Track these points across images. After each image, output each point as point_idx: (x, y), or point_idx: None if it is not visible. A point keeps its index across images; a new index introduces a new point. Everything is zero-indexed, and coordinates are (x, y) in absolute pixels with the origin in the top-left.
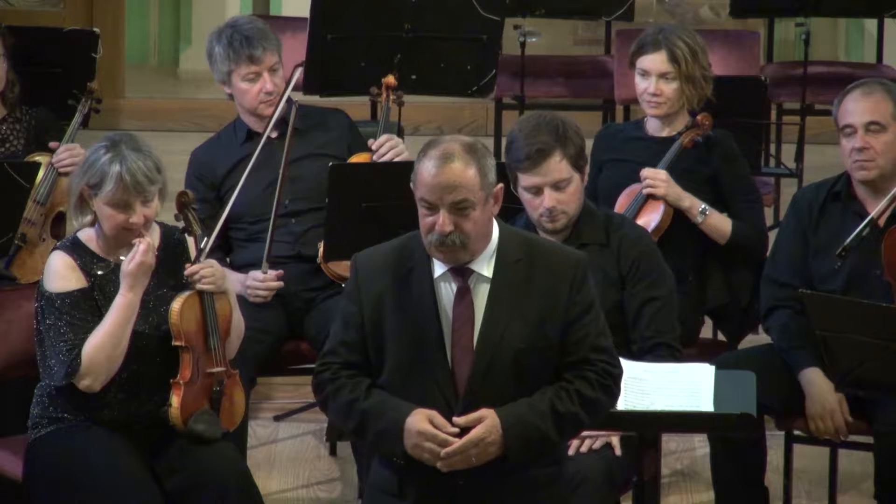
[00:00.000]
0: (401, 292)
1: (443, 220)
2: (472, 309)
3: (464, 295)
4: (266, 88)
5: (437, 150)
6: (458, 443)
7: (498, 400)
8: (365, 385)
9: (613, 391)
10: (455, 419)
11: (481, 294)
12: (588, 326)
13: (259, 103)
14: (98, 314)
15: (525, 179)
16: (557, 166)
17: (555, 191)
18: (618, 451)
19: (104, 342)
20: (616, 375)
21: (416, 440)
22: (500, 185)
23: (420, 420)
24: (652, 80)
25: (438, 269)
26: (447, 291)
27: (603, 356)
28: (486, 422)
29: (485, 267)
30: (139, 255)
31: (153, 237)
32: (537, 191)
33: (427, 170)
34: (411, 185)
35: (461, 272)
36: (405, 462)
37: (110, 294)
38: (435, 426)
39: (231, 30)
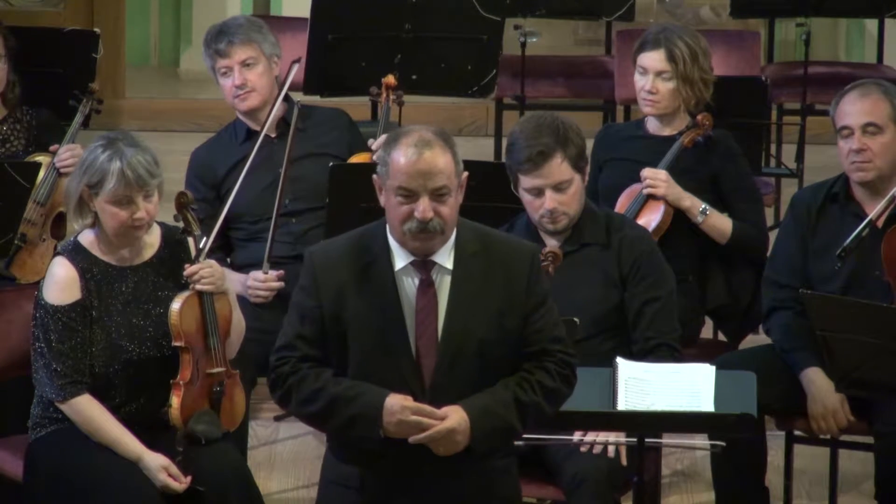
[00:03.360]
0: (361, 286)
1: (424, 207)
2: (436, 300)
3: (427, 287)
4: (234, 82)
5: (411, 138)
6: (424, 434)
7: (463, 390)
8: (328, 374)
9: (571, 380)
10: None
11: (444, 286)
12: (545, 317)
13: (233, 98)
14: (90, 322)
15: (526, 181)
16: (558, 168)
17: (556, 192)
18: (624, 461)
19: (87, 426)
20: (573, 365)
21: (400, 415)
22: (466, 173)
23: (401, 398)
24: (649, 78)
25: (399, 262)
26: (409, 284)
27: (560, 346)
28: (454, 416)
29: (446, 259)
30: None
31: (153, 237)
32: (538, 192)
33: (405, 157)
34: (375, 177)
35: (424, 265)
36: (378, 446)
37: (106, 296)
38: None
39: (215, 27)
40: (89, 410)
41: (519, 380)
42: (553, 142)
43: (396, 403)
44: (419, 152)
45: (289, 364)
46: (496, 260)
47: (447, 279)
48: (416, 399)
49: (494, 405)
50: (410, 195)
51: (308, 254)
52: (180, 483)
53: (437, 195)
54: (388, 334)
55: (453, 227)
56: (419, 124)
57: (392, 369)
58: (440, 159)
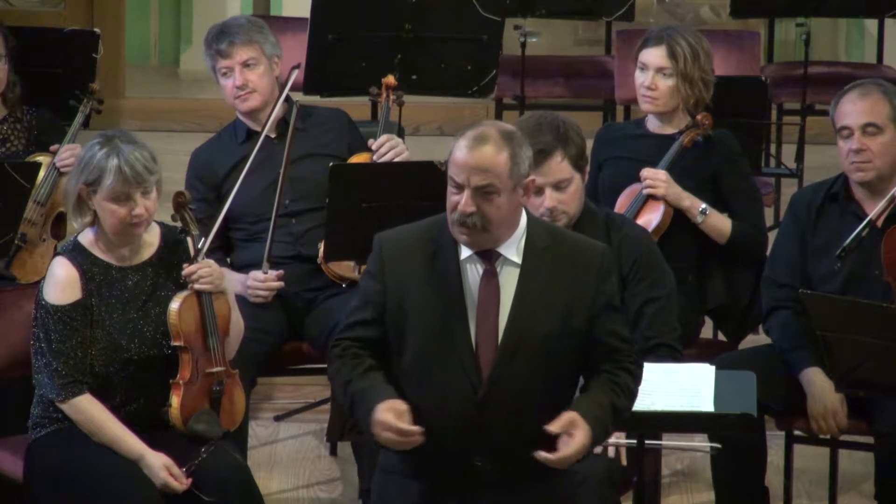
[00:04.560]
0: (426, 273)
1: (465, 200)
2: (498, 292)
3: (490, 278)
4: (235, 83)
5: (473, 132)
6: (561, 453)
7: (521, 385)
8: (364, 366)
9: (641, 382)
10: (548, 427)
11: (509, 278)
12: (616, 316)
13: (233, 98)
14: (90, 322)
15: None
16: (559, 166)
17: (556, 191)
18: (624, 461)
19: (88, 426)
20: (641, 363)
21: (376, 430)
22: (532, 178)
23: (385, 410)
24: (649, 74)
25: (465, 251)
26: (473, 274)
27: (631, 346)
28: (581, 428)
29: (513, 252)
30: None
31: (153, 236)
32: (538, 191)
33: (459, 149)
34: (447, 163)
35: (488, 255)
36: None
37: (106, 296)
38: (397, 413)
39: (216, 27)
40: (90, 410)
41: (611, 385)
42: (553, 140)
43: (376, 416)
44: (472, 146)
45: (339, 347)
46: (566, 256)
47: (514, 272)
48: (473, 389)
49: (602, 414)
50: (458, 187)
51: (377, 239)
52: (181, 484)
53: (483, 192)
54: (448, 323)
55: (501, 226)
56: (493, 121)
57: (450, 358)
58: (491, 157)
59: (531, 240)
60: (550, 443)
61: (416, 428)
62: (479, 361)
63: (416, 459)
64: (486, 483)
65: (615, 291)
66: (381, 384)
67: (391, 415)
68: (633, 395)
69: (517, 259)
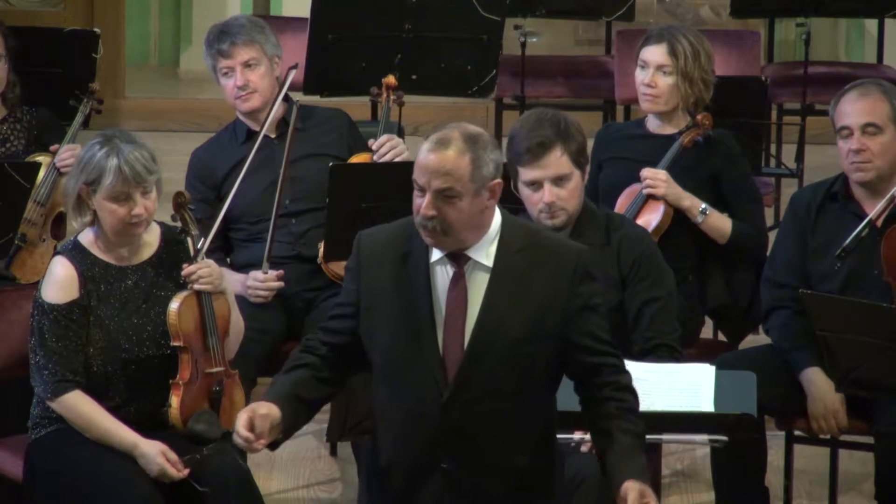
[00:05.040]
0: (398, 274)
1: (426, 204)
2: (466, 294)
3: (458, 280)
4: (236, 83)
5: (437, 135)
6: None
7: (489, 389)
8: (292, 363)
9: (637, 397)
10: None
11: (478, 281)
12: (594, 319)
13: (234, 98)
14: (89, 322)
15: (525, 173)
16: (558, 160)
17: (554, 185)
18: None
19: (78, 422)
20: (624, 367)
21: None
22: (499, 180)
23: (242, 411)
24: (649, 72)
25: (436, 253)
26: (443, 276)
27: (613, 349)
28: (649, 495)
29: (483, 255)
30: None
31: (153, 237)
32: (537, 186)
33: (422, 152)
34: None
35: (457, 258)
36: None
37: (105, 296)
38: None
39: (217, 27)
40: (79, 406)
41: (629, 424)
42: (553, 134)
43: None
44: (433, 149)
45: (301, 346)
46: (541, 259)
47: (482, 275)
48: (439, 391)
49: (643, 462)
50: (421, 190)
51: (358, 237)
52: (178, 471)
53: (444, 196)
54: (416, 325)
55: (465, 230)
56: (462, 123)
57: (417, 361)
58: (452, 161)
59: (504, 242)
60: (524, 449)
61: (247, 434)
62: (446, 364)
63: (388, 460)
64: (455, 487)
65: (594, 294)
66: (280, 388)
67: (244, 417)
68: (638, 412)
69: (488, 262)
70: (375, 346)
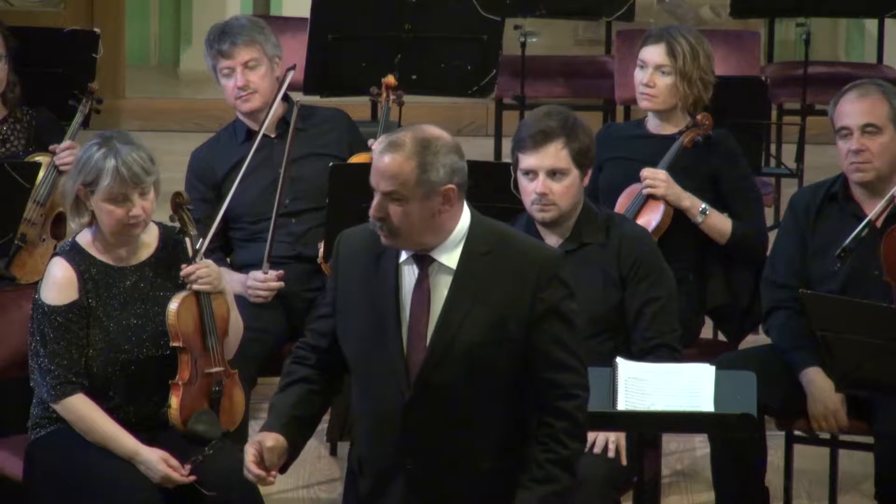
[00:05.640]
0: (370, 274)
1: (373, 206)
2: (429, 296)
3: (422, 282)
4: (237, 83)
5: (387, 136)
6: None
7: (450, 392)
8: (288, 379)
9: (580, 424)
10: None
11: (441, 283)
12: (559, 325)
13: (234, 99)
14: (88, 323)
15: (524, 160)
16: (557, 153)
17: (549, 178)
18: (624, 461)
19: (80, 425)
20: (583, 398)
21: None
22: (452, 185)
23: (249, 443)
24: (648, 72)
25: (404, 253)
26: (410, 277)
27: (579, 363)
28: None
29: (447, 257)
30: None
31: (151, 237)
32: (533, 175)
33: (374, 152)
34: None
35: (421, 259)
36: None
37: (104, 297)
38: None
39: (217, 27)
40: (81, 409)
41: (538, 473)
42: (558, 127)
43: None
44: (381, 152)
45: (296, 345)
46: (508, 262)
47: (446, 277)
48: (402, 394)
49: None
50: (374, 191)
51: (339, 236)
52: (181, 475)
53: (390, 198)
54: (382, 325)
55: (417, 233)
56: (424, 123)
57: (383, 361)
58: (397, 165)
59: (470, 244)
60: (486, 452)
61: (258, 472)
62: (409, 365)
63: (360, 459)
64: (418, 487)
65: (562, 299)
66: (285, 406)
67: (251, 451)
68: (570, 465)
69: (452, 264)
70: (347, 345)
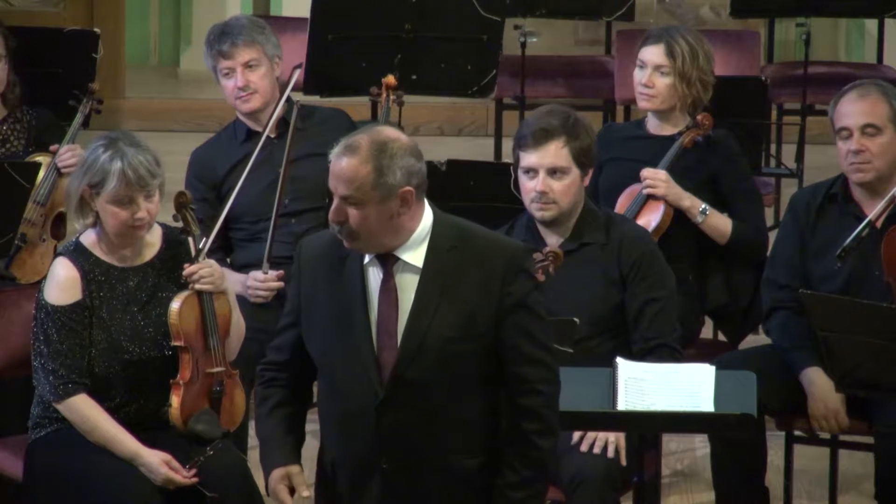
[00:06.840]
0: (334, 277)
1: (332, 209)
2: (396, 295)
3: (387, 282)
4: (237, 84)
5: (348, 139)
6: None
7: (423, 389)
8: (270, 403)
9: (549, 421)
10: None
11: (408, 281)
12: (529, 318)
13: (235, 99)
14: (91, 323)
15: (524, 158)
16: (558, 151)
17: (549, 176)
18: (623, 461)
19: (82, 425)
20: (550, 393)
21: (272, 497)
22: (410, 188)
23: (276, 479)
24: (647, 72)
25: (368, 255)
26: (375, 278)
27: (550, 358)
28: None
29: (412, 255)
30: None
31: (154, 237)
32: (533, 174)
33: (332, 155)
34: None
35: (385, 260)
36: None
37: (107, 297)
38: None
39: (217, 27)
40: (84, 410)
41: (511, 477)
42: (559, 125)
43: (272, 489)
44: (337, 155)
45: (260, 368)
46: (474, 256)
47: (411, 275)
48: (375, 394)
49: None
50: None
51: (299, 243)
52: (184, 477)
53: (348, 202)
54: (350, 327)
55: (376, 236)
56: (380, 127)
57: (352, 361)
58: (352, 169)
59: (435, 241)
60: (461, 450)
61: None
62: (380, 365)
63: (332, 460)
64: (394, 487)
65: (530, 292)
66: (281, 436)
67: (283, 487)
68: (544, 464)
69: (417, 262)
70: (314, 348)
